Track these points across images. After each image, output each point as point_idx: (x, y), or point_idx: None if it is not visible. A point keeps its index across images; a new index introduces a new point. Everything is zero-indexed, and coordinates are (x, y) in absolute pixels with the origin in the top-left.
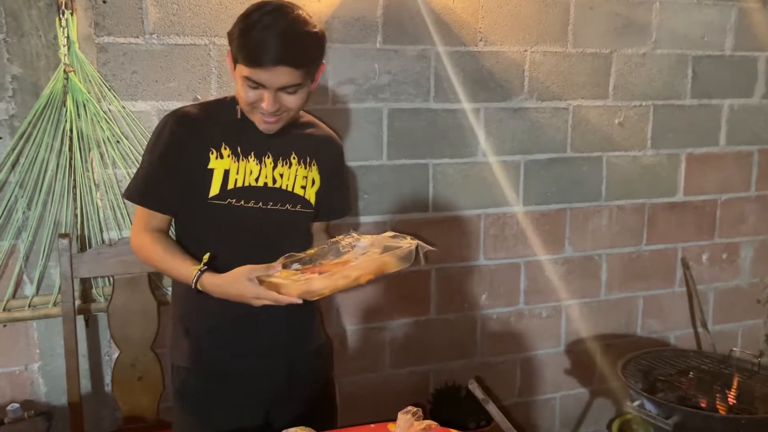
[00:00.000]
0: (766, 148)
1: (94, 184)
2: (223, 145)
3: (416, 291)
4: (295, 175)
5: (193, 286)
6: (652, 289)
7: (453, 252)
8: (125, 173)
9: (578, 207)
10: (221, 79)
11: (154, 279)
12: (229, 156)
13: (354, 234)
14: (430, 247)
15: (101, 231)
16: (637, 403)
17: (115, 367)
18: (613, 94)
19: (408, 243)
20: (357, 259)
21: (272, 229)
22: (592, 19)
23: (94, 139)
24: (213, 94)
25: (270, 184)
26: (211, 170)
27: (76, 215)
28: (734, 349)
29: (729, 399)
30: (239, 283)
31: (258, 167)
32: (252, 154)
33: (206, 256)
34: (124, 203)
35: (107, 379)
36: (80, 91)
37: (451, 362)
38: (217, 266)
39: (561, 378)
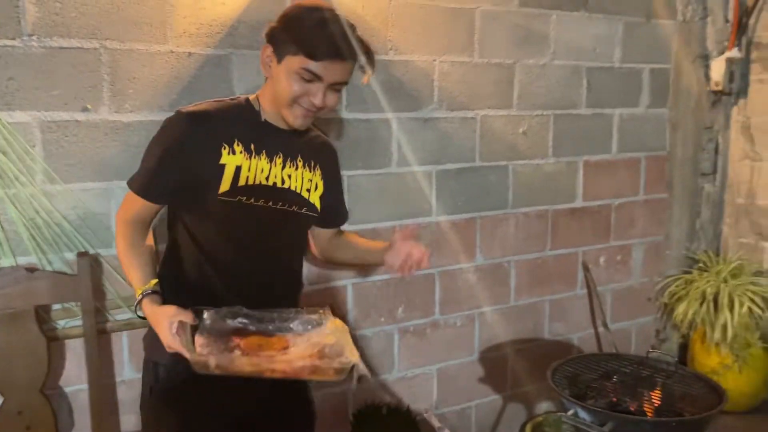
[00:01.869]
0: (652, 155)
1: None
2: (236, 141)
3: (332, 307)
4: (302, 178)
5: (134, 309)
6: (557, 293)
7: (369, 266)
8: (3, 194)
9: (487, 215)
10: (114, 86)
11: (42, 313)
12: (241, 152)
13: (323, 311)
14: (367, 373)
15: None
16: (571, 412)
17: None
18: (517, 104)
19: (348, 359)
20: (290, 348)
21: (277, 229)
22: (496, 30)
23: None
24: (105, 104)
25: (279, 185)
26: (223, 166)
27: None
28: (651, 350)
29: (654, 401)
30: (161, 322)
31: (269, 166)
32: (264, 152)
33: (153, 282)
34: (1, 226)
35: None
36: None
37: (370, 378)
38: (217, 262)
39: (475, 386)
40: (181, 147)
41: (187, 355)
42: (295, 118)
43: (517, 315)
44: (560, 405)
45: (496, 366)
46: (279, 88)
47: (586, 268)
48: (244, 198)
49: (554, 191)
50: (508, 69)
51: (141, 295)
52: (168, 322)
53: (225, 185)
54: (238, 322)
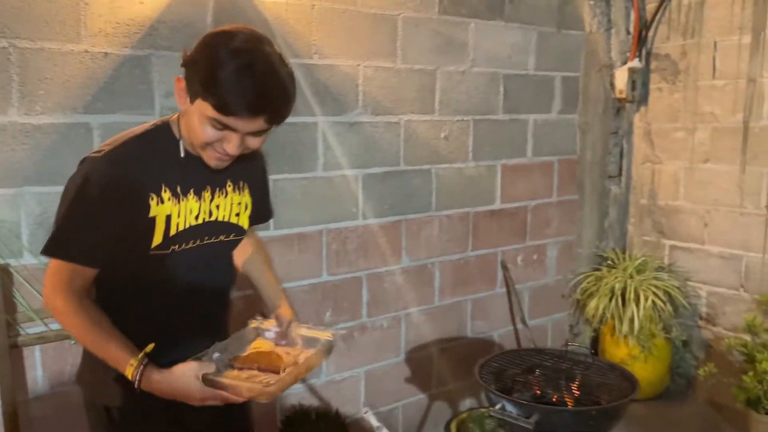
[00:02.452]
0: (564, 159)
1: None
2: (163, 187)
3: (256, 313)
4: (231, 203)
5: (136, 386)
6: (478, 292)
7: (295, 270)
8: None
9: (412, 218)
10: (24, 87)
11: None
12: (169, 199)
13: (259, 318)
14: (343, 332)
15: None
16: (498, 406)
17: None
18: (439, 110)
19: (324, 335)
20: (287, 354)
21: (206, 262)
22: (417, 37)
23: None
24: (14, 105)
25: (207, 219)
26: (153, 219)
27: None
28: (570, 344)
29: (574, 391)
30: (185, 380)
31: (198, 204)
32: (191, 191)
33: (150, 347)
34: None
35: None
36: None
37: (296, 385)
38: (148, 308)
39: (402, 387)
40: (106, 200)
41: (234, 398)
42: (209, 160)
43: (442, 315)
44: (483, 401)
45: (422, 366)
46: (191, 129)
47: (505, 268)
48: (177, 246)
49: (475, 194)
50: (429, 75)
51: (140, 366)
52: (194, 379)
53: (157, 239)
54: (215, 357)
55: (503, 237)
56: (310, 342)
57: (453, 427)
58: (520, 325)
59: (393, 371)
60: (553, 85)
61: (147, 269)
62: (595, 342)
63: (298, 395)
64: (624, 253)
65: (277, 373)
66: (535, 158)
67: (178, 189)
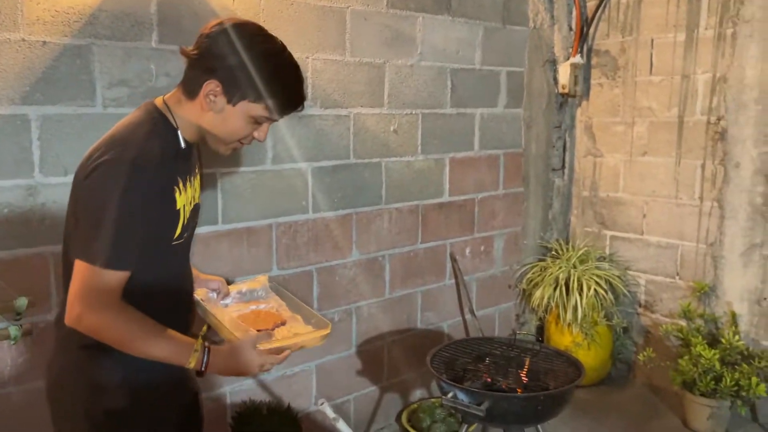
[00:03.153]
0: (510, 152)
1: None
2: (178, 179)
3: None
4: (197, 183)
5: (202, 368)
6: (428, 283)
7: (245, 265)
8: None
9: (363, 211)
10: None
11: None
12: (183, 188)
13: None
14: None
15: None
16: (450, 394)
17: None
18: (388, 103)
19: (261, 282)
20: (267, 307)
21: (187, 247)
22: (366, 30)
23: None
24: None
25: (192, 202)
26: (179, 211)
27: None
28: (517, 332)
29: (522, 378)
30: (246, 354)
31: (191, 189)
32: (188, 177)
33: (204, 329)
34: None
35: None
36: None
37: (246, 380)
38: (149, 301)
39: (353, 380)
40: (151, 200)
41: (284, 356)
42: (226, 150)
43: (392, 307)
44: (435, 390)
45: (373, 358)
46: (226, 128)
47: (453, 259)
48: (186, 234)
49: (424, 187)
50: (378, 68)
51: (204, 350)
52: (253, 349)
53: (178, 229)
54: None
55: (452, 229)
56: (250, 293)
57: (404, 417)
58: (468, 316)
59: (344, 364)
60: (499, 79)
61: (168, 260)
62: (541, 330)
63: (248, 390)
64: (567, 243)
65: (284, 324)
66: (482, 152)
67: (186, 177)
